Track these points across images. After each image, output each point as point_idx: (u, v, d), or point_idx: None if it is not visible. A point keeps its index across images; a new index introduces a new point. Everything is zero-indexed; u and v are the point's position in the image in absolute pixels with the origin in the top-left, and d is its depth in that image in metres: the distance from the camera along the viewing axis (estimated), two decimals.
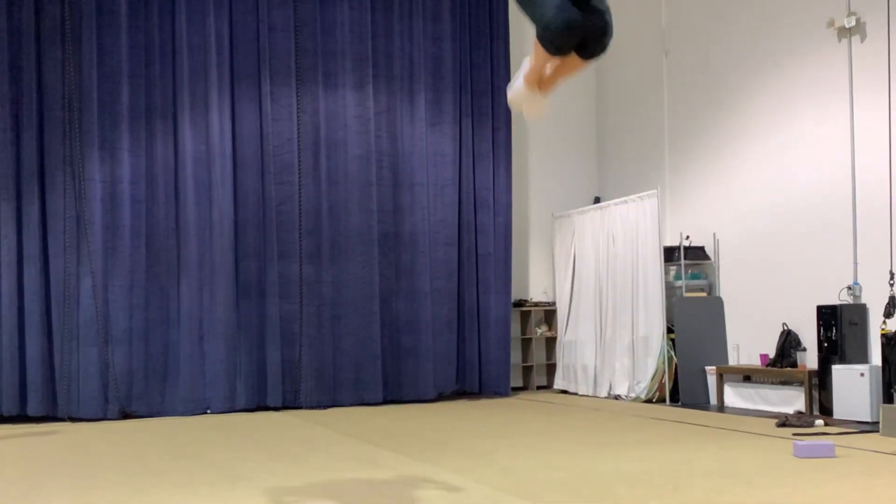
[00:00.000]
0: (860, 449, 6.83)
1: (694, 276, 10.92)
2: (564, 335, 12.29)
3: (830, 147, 9.30)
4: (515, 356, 12.33)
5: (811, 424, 8.15)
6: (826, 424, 8.18)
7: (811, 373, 9.12)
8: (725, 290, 10.72)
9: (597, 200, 12.71)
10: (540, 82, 4.40)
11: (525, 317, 12.52)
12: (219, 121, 10.57)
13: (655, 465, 6.37)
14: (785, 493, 5.32)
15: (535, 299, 12.72)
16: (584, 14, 3.99)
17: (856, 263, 9.00)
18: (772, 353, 9.75)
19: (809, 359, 9.27)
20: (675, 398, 10.47)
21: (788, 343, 9.53)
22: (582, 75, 13.09)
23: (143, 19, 10.48)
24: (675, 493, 5.40)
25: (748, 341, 10.28)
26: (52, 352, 10.02)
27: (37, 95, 10.12)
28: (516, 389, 12.23)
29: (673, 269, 10.97)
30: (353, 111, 11.16)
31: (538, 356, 12.60)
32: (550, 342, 12.64)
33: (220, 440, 8.27)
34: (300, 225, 10.85)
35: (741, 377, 10.09)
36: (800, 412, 8.82)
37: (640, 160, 12.18)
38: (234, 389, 10.48)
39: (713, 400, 10.29)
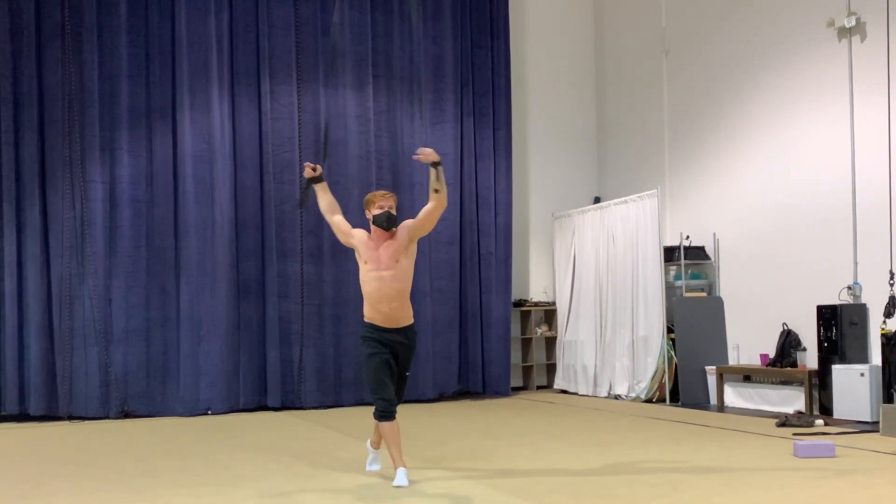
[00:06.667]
0: (860, 449, 6.83)
1: (694, 276, 10.92)
2: (564, 335, 12.29)
3: (830, 147, 9.30)
4: (515, 356, 12.33)
5: (811, 424, 8.15)
6: (826, 424, 8.18)
7: (811, 373, 9.12)
8: (725, 290, 10.72)
9: (597, 200, 12.71)
10: None
11: (525, 317, 12.52)
12: (219, 120, 10.57)
13: (655, 465, 6.38)
14: (785, 493, 5.32)
15: (536, 299, 12.72)
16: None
17: (856, 263, 9.01)
18: (772, 353, 9.76)
19: (809, 359, 9.28)
20: (675, 398, 10.47)
21: (788, 343, 9.53)
22: (583, 75, 13.14)
23: (143, 19, 10.48)
24: (675, 493, 5.40)
25: (748, 341, 10.28)
26: (54, 351, 10.03)
27: (37, 96, 10.13)
28: (516, 389, 12.23)
29: (673, 269, 10.97)
30: (354, 111, 11.17)
31: (538, 356, 12.60)
32: (550, 342, 12.64)
33: (221, 440, 8.27)
34: (301, 224, 10.85)
35: (741, 377, 10.09)
36: (800, 412, 8.83)
37: (640, 160, 12.18)
38: (235, 389, 10.48)
39: (713, 400, 10.29)
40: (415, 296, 11.07)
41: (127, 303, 10.25)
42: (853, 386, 8.46)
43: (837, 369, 8.64)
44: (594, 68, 13.19)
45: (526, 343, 12.52)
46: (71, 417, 9.97)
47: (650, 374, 10.68)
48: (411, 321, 6.12)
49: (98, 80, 10.28)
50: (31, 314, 9.99)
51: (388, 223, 6.01)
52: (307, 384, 10.73)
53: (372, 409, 6.05)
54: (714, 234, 10.86)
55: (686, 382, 10.40)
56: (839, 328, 8.80)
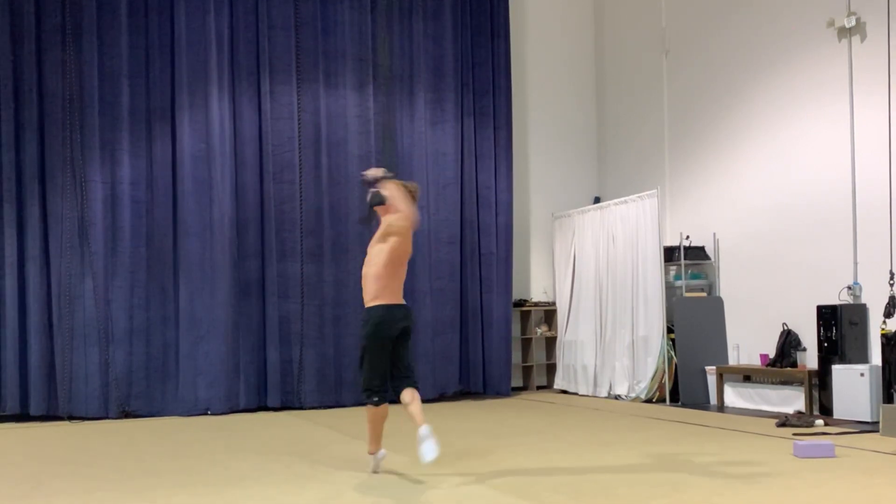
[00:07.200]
0: (860, 449, 6.83)
1: (694, 276, 10.92)
2: (564, 335, 12.29)
3: (830, 147, 9.30)
4: (515, 356, 12.33)
5: (811, 424, 8.15)
6: (826, 424, 8.18)
7: (811, 373, 9.12)
8: (725, 290, 10.72)
9: (597, 200, 12.71)
10: None
11: (525, 317, 12.52)
12: (219, 120, 10.57)
13: (655, 465, 6.38)
14: (785, 493, 5.32)
15: (536, 299, 12.72)
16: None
17: (856, 263, 9.01)
18: (772, 353, 9.76)
19: (809, 359, 9.28)
20: (675, 398, 10.47)
21: (788, 343, 9.53)
22: (583, 74, 13.14)
23: (143, 19, 10.48)
24: (675, 493, 5.40)
25: (748, 341, 10.28)
26: (54, 351, 10.03)
27: (37, 97, 10.14)
28: (516, 389, 12.23)
29: (673, 269, 10.97)
30: (354, 111, 11.17)
31: (538, 356, 12.60)
32: (550, 342, 12.64)
33: (221, 440, 8.28)
34: (301, 224, 10.85)
35: (741, 377, 10.09)
36: (800, 412, 8.82)
37: (640, 160, 12.18)
38: (235, 389, 10.47)
39: (713, 400, 10.29)
40: (415, 295, 11.23)
41: (127, 303, 10.25)
42: (853, 386, 8.46)
43: (837, 369, 8.64)
44: (594, 68, 13.19)
45: (526, 343, 12.52)
46: (71, 417, 9.98)
47: (650, 374, 10.68)
48: (367, 303, 6.24)
49: (98, 80, 10.28)
50: (32, 314, 9.99)
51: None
52: (307, 384, 10.73)
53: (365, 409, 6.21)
54: (714, 234, 10.86)
55: (686, 382, 10.40)
56: (839, 328, 8.80)
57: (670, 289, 10.84)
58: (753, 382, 9.93)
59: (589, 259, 11.95)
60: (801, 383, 9.28)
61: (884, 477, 5.77)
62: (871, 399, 8.30)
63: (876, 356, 8.62)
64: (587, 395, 11.61)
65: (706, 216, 11.00)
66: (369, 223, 6.77)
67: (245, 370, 10.56)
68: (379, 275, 6.12)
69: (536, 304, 12.59)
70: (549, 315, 12.62)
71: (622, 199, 11.48)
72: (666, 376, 10.55)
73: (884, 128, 8.67)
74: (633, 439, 7.70)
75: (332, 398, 10.83)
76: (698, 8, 11.23)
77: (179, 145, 10.51)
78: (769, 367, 9.64)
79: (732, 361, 10.47)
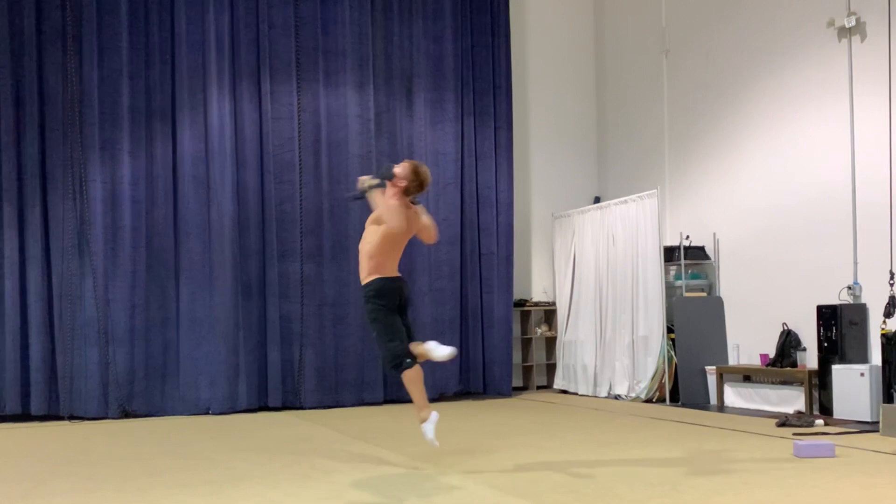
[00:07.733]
0: (860, 449, 6.84)
1: (694, 276, 10.92)
2: (564, 335, 12.29)
3: (830, 147, 9.30)
4: (516, 356, 12.33)
5: (811, 424, 8.16)
6: (826, 424, 8.18)
7: (811, 373, 9.13)
8: (725, 290, 10.73)
9: (597, 200, 12.71)
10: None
11: (525, 316, 12.52)
12: (219, 120, 10.57)
13: (655, 465, 6.38)
14: (785, 493, 5.32)
15: (536, 299, 12.72)
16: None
17: (856, 263, 9.01)
18: (772, 353, 9.76)
19: (809, 359, 9.28)
20: (675, 398, 10.47)
21: (788, 343, 9.53)
22: (583, 75, 13.13)
23: (143, 19, 10.49)
24: (675, 493, 5.40)
25: (748, 341, 10.29)
26: (54, 351, 10.04)
27: (38, 97, 10.14)
28: (516, 389, 12.23)
29: (673, 269, 10.97)
30: (354, 111, 11.16)
31: (538, 356, 12.60)
32: (550, 342, 12.64)
33: (221, 440, 8.28)
34: (301, 224, 10.85)
35: (741, 377, 10.09)
36: (800, 412, 8.83)
37: (640, 160, 12.18)
38: (235, 389, 10.47)
39: (713, 400, 10.29)
40: (415, 295, 11.22)
41: (127, 302, 10.25)
42: (853, 386, 8.46)
43: (837, 369, 8.64)
44: (594, 68, 13.20)
45: (526, 343, 12.52)
46: (72, 417, 9.98)
47: (650, 374, 10.68)
48: (363, 280, 6.50)
49: (98, 80, 10.28)
50: (33, 314, 10.00)
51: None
52: (307, 384, 10.73)
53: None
54: (714, 234, 10.87)
55: (686, 382, 10.41)
56: (839, 328, 8.80)
57: (670, 289, 10.84)
58: (753, 382, 9.93)
59: (589, 259, 11.95)
60: (801, 383, 9.29)
61: (884, 477, 5.77)
62: (871, 399, 8.31)
63: (876, 356, 8.63)
64: (587, 395, 11.62)
65: (706, 216, 11.00)
66: (358, 200, 6.81)
67: (245, 370, 10.56)
68: (372, 254, 6.45)
69: (536, 304, 12.59)
70: (549, 315, 12.62)
71: (622, 199, 11.48)
72: (666, 376, 10.55)
73: (884, 128, 8.68)
74: (633, 439, 7.70)
75: (332, 398, 10.83)
76: (698, 7, 11.23)
77: (179, 145, 10.51)
78: (769, 367, 9.65)
79: (732, 361, 10.47)
